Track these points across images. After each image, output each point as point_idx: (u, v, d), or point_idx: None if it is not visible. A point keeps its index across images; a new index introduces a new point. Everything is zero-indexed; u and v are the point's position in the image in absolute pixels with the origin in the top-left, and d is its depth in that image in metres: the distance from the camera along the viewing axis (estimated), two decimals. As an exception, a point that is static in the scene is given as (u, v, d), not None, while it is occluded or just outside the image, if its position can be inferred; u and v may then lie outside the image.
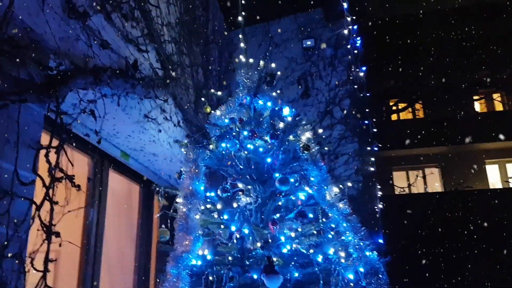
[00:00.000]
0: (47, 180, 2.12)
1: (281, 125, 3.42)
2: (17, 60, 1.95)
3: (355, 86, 6.25)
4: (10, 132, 1.91)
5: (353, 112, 6.36)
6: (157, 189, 3.58)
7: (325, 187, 3.32)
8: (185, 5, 4.85)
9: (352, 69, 6.30)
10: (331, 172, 6.12)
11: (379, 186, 6.12)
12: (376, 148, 6.21)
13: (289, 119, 3.50)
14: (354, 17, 4.88)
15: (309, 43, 6.64)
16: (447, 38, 12.44)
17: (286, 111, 3.60)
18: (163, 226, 3.49)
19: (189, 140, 3.40)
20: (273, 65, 3.75)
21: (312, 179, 3.31)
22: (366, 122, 6.29)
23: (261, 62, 3.65)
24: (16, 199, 1.98)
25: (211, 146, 3.36)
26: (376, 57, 11.35)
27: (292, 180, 3.31)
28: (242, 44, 4.01)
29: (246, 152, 3.35)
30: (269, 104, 3.63)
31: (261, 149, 3.37)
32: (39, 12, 2.21)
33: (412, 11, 12.47)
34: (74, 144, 3.42)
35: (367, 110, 6.32)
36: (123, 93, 2.96)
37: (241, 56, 3.90)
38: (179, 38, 4.50)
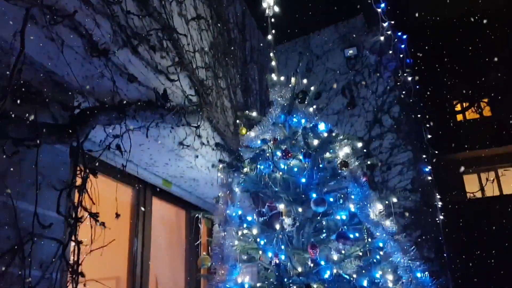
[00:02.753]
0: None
1: (315, 142, 3.28)
2: (35, 104, 2.01)
3: (403, 92, 5.93)
4: (33, 174, 1.97)
5: (404, 119, 6.00)
6: (197, 215, 3.58)
7: (369, 205, 3.12)
8: (218, 29, 4.89)
9: (399, 74, 5.99)
10: (384, 184, 5.82)
11: (439, 196, 5.69)
12: (432, 155, 5.81)
13: (325, 135, 3.36)
14: (392, 22, 4.64)
15: (351, 51, 6.42)
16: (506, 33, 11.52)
17: (321, 127, 3.46)
18: (204, 253, 3.46)
19: (223, 164, 3.35)
20: (305, 81, 3.64)
21: (352, 197, 3.14)
22: (419, 128, 5.93)
23: (293, 79, 3.56)
24: (43, 240, 2.02)
25: (245, 169, 3.30)
26: (431, 58, 10.75)
27: (331, 199, 3.15)
28: (273, 63, 3.94)
29: (281, 173, 3.25)
30: (303, 121, 3.52)
31: (296, 169, 3.25)
32: (59, 55, 2.29)
33: (466, 10, 11.71)
34: (118, 176, 3.53)
35: (419, 115, 5.95)
36: (152, 124, 2.98)
37: (273, 75, 3.83)
38: (213, 62, 4.52)
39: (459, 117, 14.40)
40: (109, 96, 2.67)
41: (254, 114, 3.95)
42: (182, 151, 3.57)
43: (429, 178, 5.66)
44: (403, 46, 5.97)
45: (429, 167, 5.70)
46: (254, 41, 6.13)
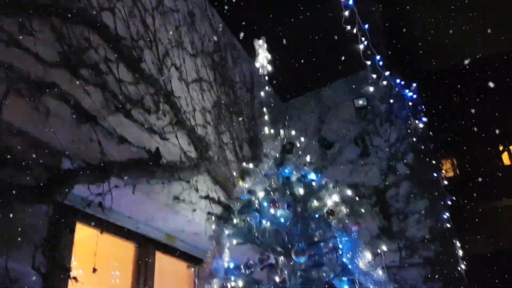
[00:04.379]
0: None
1: (301, 191, 3.33)
2: (16, 167, 2.25)
3: (414, 139, 5.88)
4: (9, 230, 2.16)
5: (419, 166, 5.90)
6: (191, 268, 3.63)
7: (358, 254, 3.08)
8: (223, 89, 5.16)
9: (409, 122, 5.98)
10: (401, 233, 5.62)
11: (459, 245, 5.42)
12: (449, 202, 5.62)
13: (313, 184, 3.41)
14: (388, 72, 4.75)
15: (360, 102, 6.52)
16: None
17: (311, 176, 3.52)
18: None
19: (213, 216, 3.45)
20: (293, 132, 3.77)
21: (341, 246, 3.11)
22: (435, 174, 5.79)
23: (281, 131, 3.71)
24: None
25: (235, 221, 3.37)
26: (455, 102, 10.57)
27: (316, 250, 3.14)
28: (266, 117, 4.10)
29: (269, 224, 3.29)
30: (294, 172, 3.60)
31: (282, 220, 3.29)
32: (45, 122, 2.55)
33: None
34: (118, 232, 3.70)
35: (433, 162, 5.84)
36: (141, 180, 3.16)
37: (265, 128, 3.99)
38: (216, 119, 4.75)
39: (507, 161, 13.75)
40: (97, 157, 2.88)
41: (251, 166, 4.07)
42: (177, 206, 3.70)
43: (448, 225, 5.43)
44: (410, 93, 6.02)
45: (448, 214, 5.50)
46: (263, 98, 6.36)
